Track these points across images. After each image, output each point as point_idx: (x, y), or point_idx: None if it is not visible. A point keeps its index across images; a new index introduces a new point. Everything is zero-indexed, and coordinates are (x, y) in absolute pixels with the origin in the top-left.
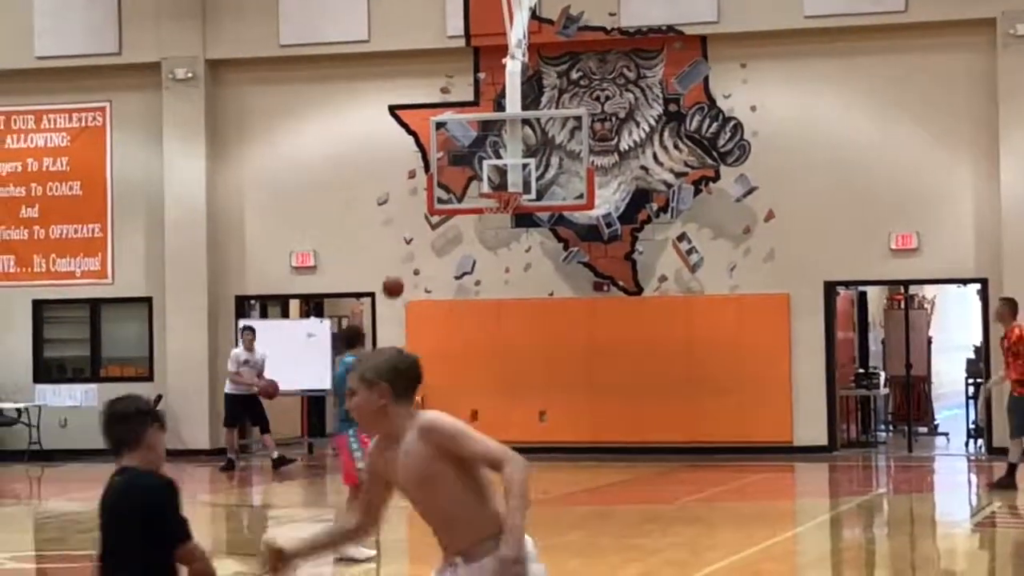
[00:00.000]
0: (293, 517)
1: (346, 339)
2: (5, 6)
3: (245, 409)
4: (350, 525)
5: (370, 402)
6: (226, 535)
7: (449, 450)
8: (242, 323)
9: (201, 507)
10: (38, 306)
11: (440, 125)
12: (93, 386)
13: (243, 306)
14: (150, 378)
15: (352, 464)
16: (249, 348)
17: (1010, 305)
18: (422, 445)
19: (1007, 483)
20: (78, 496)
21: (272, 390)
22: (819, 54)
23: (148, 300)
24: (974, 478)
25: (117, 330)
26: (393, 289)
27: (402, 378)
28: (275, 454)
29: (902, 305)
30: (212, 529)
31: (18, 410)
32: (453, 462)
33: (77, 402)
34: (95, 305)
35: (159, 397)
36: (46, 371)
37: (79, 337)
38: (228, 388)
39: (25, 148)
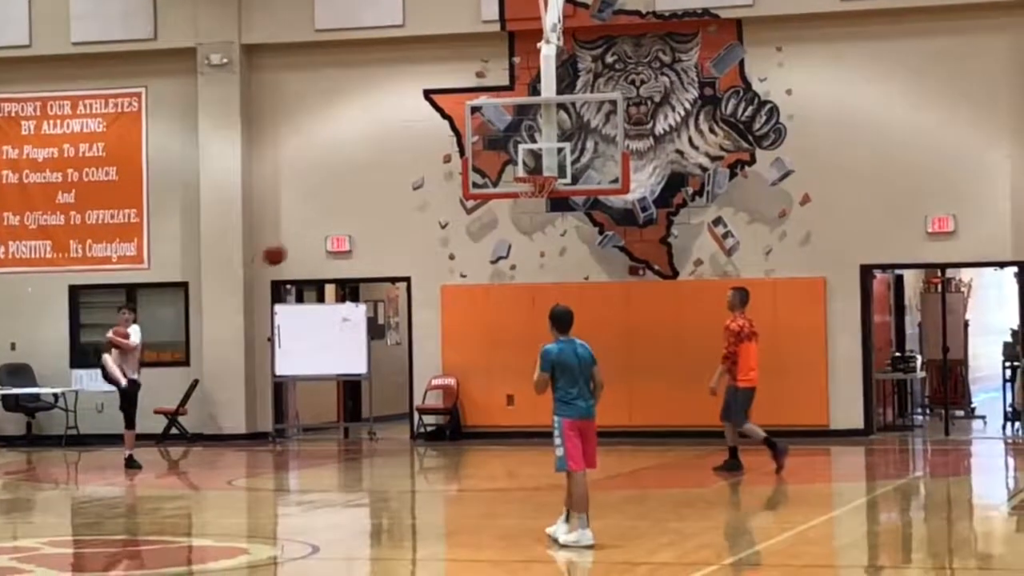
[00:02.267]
0: (330, 502)
1: (567, 320)
2: None
3: (122, 398)
4: None
5: None
6: (260, 520)
7: None
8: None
9: (237, 492)
10: (74, 291)
11: (475, 109)
12: None
13: (279, 291)
14: (187, 363)
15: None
16: (125, 326)
17: (740, 296)
18: None
19: (733, 465)
20: (115, 481)
21: (118, 339)
22: (855, 37)
23: (184, 285)
24: (1011, 461)
25: (153, 315)
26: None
27: None
28: (127, 453)
29: (939, 288)
30: (248, 514)
31: (55, 395)
32: None
33: (113, 387)
34: (131, 290)
35: (195, 382)
36: (83, 356)
37: (115, 322)
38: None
39: (61, 134)
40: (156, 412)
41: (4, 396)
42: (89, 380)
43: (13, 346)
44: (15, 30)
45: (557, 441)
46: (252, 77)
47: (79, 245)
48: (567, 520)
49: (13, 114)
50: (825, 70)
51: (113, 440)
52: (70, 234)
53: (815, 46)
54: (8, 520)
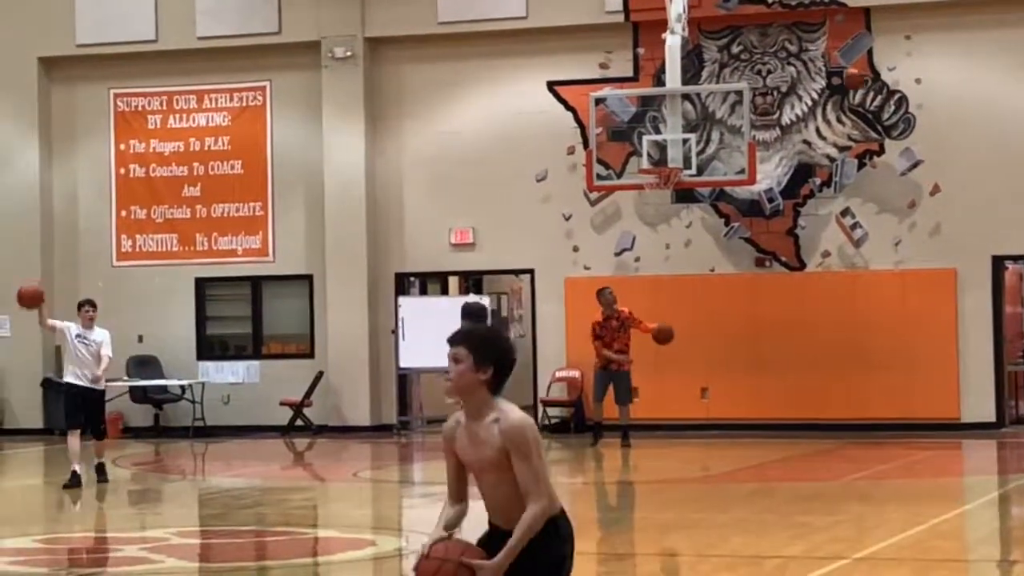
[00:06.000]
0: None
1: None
2: None
3: (84, 403)
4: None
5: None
6: (386, 512)
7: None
8: (82, 297)
9: (363, 484)
10: (200, 284)
11: (599, 101)
12: (255, 363)
13: (403, 283)
14: (311, 355)
15: None
16: (87, 325)
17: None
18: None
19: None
20: (241, 472)
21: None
22: (985, 25)
23: (308, 278)
24: None
25: (278, 307)
26: (27, 298)
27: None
28: (96, 461)
29: None
30: (373, 506)
31: (182, 387)
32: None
33: (239, 379)
34: (256, 283)
35: (320, 374)
36: (209, 348)
37: (241, 315)
38: (66, 375)
39: (187, 128)
40: (282, 404)
41: (132, 388)
42: (216, 372)
43: (140, 338)
44: (142, 25)
45: None
46: (375, 70)
47: (205, 238)
48: None
49: (140, 108)
50: (955, 59)
51: (239, 432)
52: (196, 227)
53: (945, 34)
54: (137, 511)
